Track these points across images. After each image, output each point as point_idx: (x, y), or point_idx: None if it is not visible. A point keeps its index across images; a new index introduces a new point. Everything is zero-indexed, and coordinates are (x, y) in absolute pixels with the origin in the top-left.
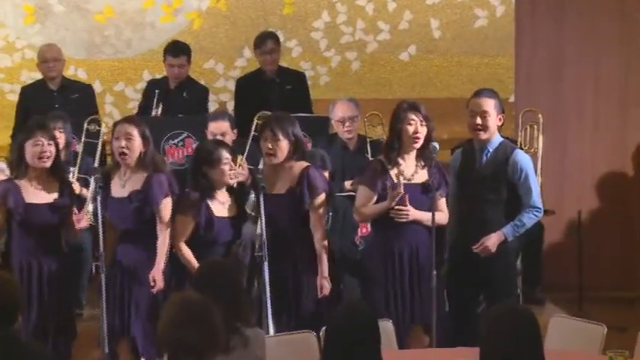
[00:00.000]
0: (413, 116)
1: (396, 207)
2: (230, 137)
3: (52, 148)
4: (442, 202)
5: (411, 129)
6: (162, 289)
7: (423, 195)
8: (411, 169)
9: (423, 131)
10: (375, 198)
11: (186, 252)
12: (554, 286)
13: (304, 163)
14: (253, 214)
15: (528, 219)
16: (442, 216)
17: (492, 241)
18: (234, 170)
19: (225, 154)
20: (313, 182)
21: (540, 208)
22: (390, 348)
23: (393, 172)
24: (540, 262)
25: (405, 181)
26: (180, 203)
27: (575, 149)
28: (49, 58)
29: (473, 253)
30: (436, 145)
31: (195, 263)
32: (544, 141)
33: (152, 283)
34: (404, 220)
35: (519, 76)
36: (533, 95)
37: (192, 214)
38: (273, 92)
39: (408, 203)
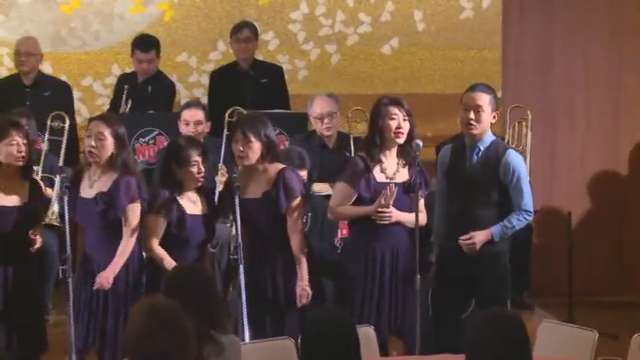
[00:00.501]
0: (395, 111)
1: (379, 209)
2: (203, 127)
3: (27, 148)
4: (421, 203)
5: (393, 124)
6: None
7: (404, 195)
8: (392, 168)
9: (405, 126)
10: (355, 197)
11: (159, 250)
12: (543, 291)
13: (279, 165)
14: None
15: (518, 222)
16: (421, 217)
17: (480, 238)
18: (202, 173)
19: (195, 156)
20: (289, 185)
21: (531, 212)
22: (371, 356)
23: (376, 170)
24: (528, 265)
25: (388, 180)
26: (150, 202)
27: (565, 147)
28: (22, 51)
29: (463, 255)
30: (419, 142)
31: (169, 260)
32: (533, 138)
33: (97, 279)
34: (386, 222)
35: (507, 71)
36: (521, 90)
37: (162, 213)
38: (248, 86)
39: (391, 205)
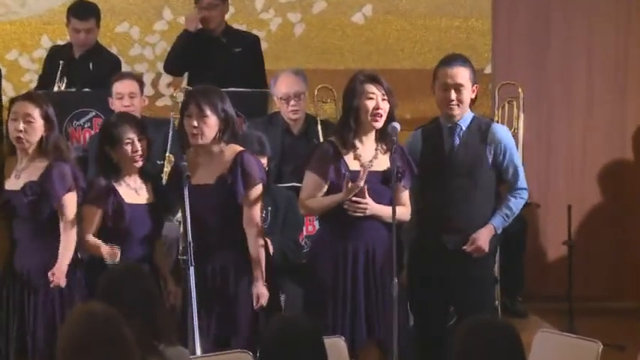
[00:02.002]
0: (373, 89)
1: (353, 199)
2: (140, 101)
3: None
4: (405, 195)
5: (370, 104)
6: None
7: (383, 185)
8: (369, 154)
9: (384, 107)
10: (326, 188)
11: (92, 240)
12: (539, 296)
13: (237, 147)
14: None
15: (516, 204)
16: (404, 211)
17: (484, 237)
18: (138, 152)
19: (129, 133)
20: (248, 170)
21: (526, 189)
22: None
23: (349, 157)
24: (522, 266)
25: (362, 169)
26: (85, 192)
27: (564, 131)
28: None
29: (437, 256)
30: (396, 125)
31: (106, 248)
32: (526, 121)
33: (50, 278)
34: (360, 214)
35: (497, 43)
36: (513, 66)
37: (96, 202)
38: (219, 54)
39: (367, 195)
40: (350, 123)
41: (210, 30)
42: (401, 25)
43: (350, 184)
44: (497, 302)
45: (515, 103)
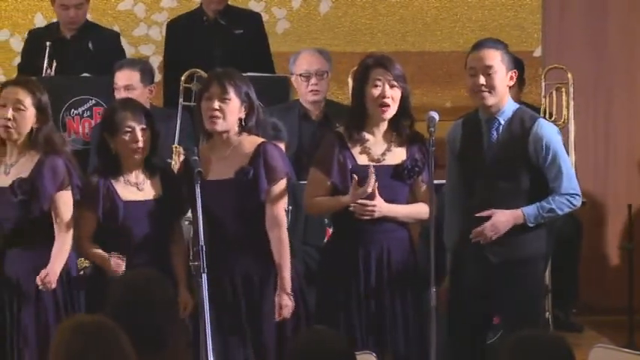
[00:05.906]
0: (379, 75)
1: (360, 201)
2: (141, 93)
3: None
4: (423, 191)
5: (376, 92)
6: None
7: (397, 181)
8: (380, 147)
9: (394, 95)
10: (330, 185)
11: (93, 251)
12: (596, 307)
13: (258, 138)
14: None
15: (560, 205)
16: (421, 209)
17: (504, 218)
18: (139, 143)
19: (129, 121)
20: (272, 163)
21: (578, 195)
22: None
23: (356, 150)
24: (576, 274)
25: (372, 163)
26: (80, 190)
27: (624, 120)
28: None
29: (483, 262)
30: (435, 115)
31: (106, 259)
32: (582, 109)
33: (40, 282)
34: (368, 217)
35: (549, 22)
36: (566, 48)
37: (87, 204)
38: (218, 39)
39: (377, 195)
40: (358, 112)
41: (210, 11)
42: (440, 1)
43: (357, 189)
44: (548, 314)
45: (564, 89)
